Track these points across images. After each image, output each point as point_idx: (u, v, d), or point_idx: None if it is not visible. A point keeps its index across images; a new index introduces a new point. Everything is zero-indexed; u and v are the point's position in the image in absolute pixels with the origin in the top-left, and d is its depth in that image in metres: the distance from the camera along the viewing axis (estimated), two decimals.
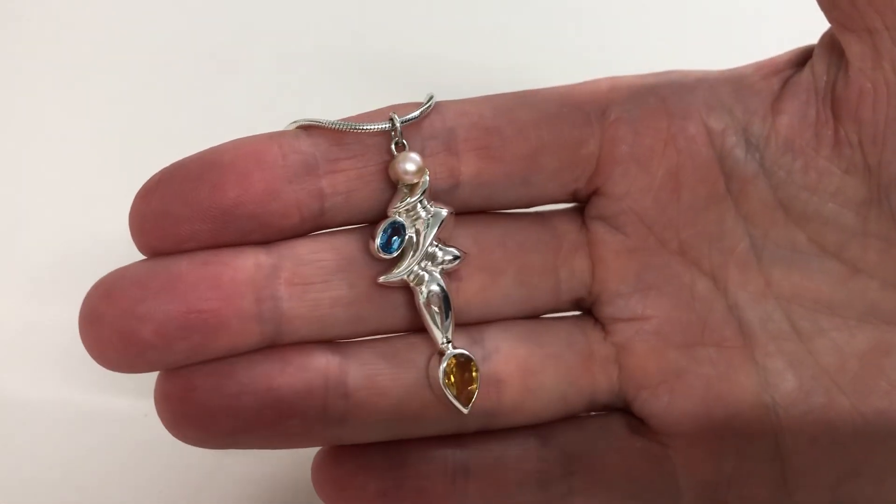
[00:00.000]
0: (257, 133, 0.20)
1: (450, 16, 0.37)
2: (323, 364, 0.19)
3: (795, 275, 0.21)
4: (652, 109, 0.21)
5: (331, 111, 0.21)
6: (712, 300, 0.21)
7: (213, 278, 0.18)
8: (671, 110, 0.21)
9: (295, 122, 0.20)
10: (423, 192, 0.20)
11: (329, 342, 0.20)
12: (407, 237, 0.20)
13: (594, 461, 0.21)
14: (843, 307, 0.21)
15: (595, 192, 0.22)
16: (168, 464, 0.26)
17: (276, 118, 0.22)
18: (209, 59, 0.36)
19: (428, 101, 0.20)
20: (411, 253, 0.20)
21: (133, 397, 0.27)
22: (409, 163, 0.19)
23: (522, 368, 0.21)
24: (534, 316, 0.22)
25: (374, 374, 0.20)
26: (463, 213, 0.21)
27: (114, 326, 0.18)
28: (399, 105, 0.20)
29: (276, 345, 0.19)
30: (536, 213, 0.22)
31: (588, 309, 0.23)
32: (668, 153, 0.21)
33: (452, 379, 0.20)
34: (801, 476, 0.21)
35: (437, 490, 0.20)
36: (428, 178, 0.20)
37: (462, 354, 0.20)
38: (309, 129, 0.20)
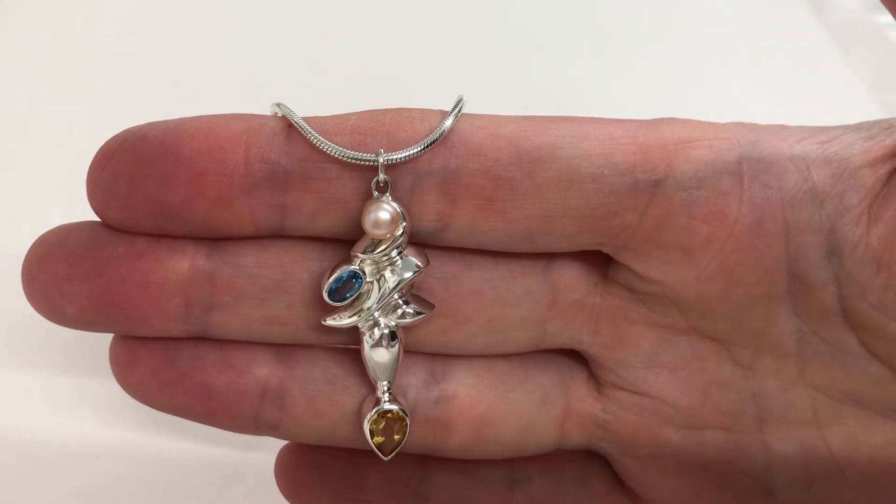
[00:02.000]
0: (238, 113, 0.17)
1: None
2: (264, 374, 0.19)
3: (834, 370, 0.19)
4: (723, 192, 0.17)
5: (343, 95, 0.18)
6: (734, 387, 0.19)
7: (144, 273, 0.17)
8: (748, 197, 0.17)
9: (279, 105, 0.17)
10: (399, 240, 0.17)
11: (277, 346, 0.19)
12: (365, 282, 0.18)
13: None
14: (871, 402, 0.19)
15: (620, 261, 0.18)
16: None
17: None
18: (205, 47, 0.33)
19: (441, 127, 0.17)
20: (367, 301, 0.18)
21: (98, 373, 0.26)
22: (381, 213, 0.17)
23: (477, 420, 0.19)
24: (506, 355, 0.20)
25: (314, 396, 0.19)
26: (445, 247, 0.19)
27: (42, 293, 0.17)
28: (408, 114, 0.17)
29: (208, 339, 0.18)
30: (537, 257, 0.19)
31: (583, 358, 0.20)
32: (727, 248, 0.17)
33: (378, 428, 0.19)
34: None
35: None
36: (403, 230, 0.17)
37: (392, 412, 0.18)
38: (290, 127, 0.17)
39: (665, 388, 0.19)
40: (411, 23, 0.36)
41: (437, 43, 0.34)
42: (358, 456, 0.20)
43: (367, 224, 0.17)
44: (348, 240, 0.18)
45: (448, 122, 0.17)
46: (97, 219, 0.18)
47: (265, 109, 0.18)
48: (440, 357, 0.20)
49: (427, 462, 0.20)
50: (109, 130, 0.17)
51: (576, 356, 0.21)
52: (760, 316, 0.18)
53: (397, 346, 0.18)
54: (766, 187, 0.17)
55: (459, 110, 0.17)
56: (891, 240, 0.17)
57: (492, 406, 0.19)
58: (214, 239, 0.18)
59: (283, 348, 0.19)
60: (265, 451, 0.21)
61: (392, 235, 0.17)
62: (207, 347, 0.18)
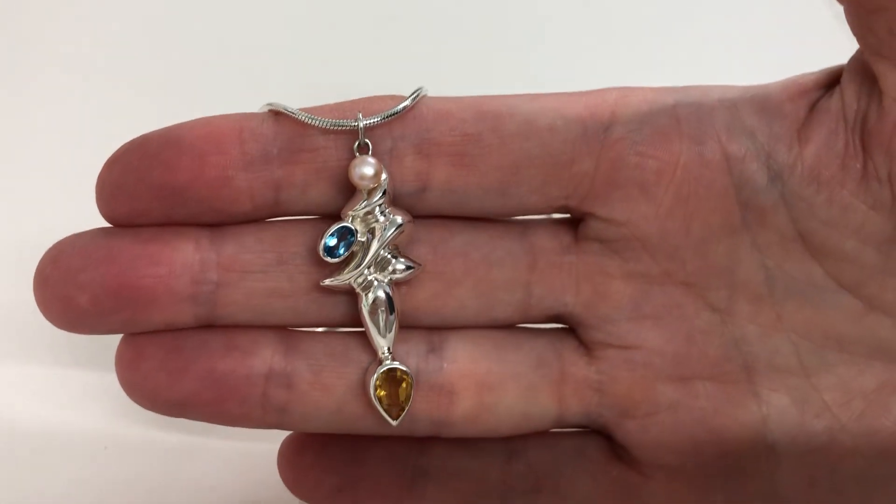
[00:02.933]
0: (231, 113, 0.19)
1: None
2: (268, 354, 0.19)
3: (808, 309, 0.20)
4: (663, 130, 0.19)
5: (315, 97, 0.20)
6: (715, 334, 0.20)
7: (152, 256, 0.18)
8: (686, 132, 0.19)
9: (269, 104, 0.19)
10: (381, 197, 0.19)
11: (280, 329, 0.20)
12: (357, 241, 0.19)
13: (563, 484, 0.21)
14: (852, 343, 0.20)
15: (588, 213, 0.20)
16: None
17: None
18: (203, 44, 0.35)
19: (411, 96, 0.19)
20: (360, 258, 0.19)
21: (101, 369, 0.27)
22: (366, 167, 0.19)
23: (479, 384, 0.20)
24: (505, 325, 0.21)
25: (319, 370, 0.20)
26: (427, 216, 0.20)
27: (56, 290, 0.18)
28: (379, 98, 0.20)
29: (213, 325, 0.19)
30: (514, 223, 0.21)
31: (570, 326, 0.21)
32: (677, 180, 0.19)
33: (383, 392, 0.19)
34: None
35: (393, 492, 0.20)
36: (387, 183, 0.19)
37: (396, 370, 0.19)
38: (279, 114, 0.19)
39: (650, 337, 0.20)
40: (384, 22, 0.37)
41: (406, 40, 0.36)
42: (358, 438, 0.20)
43: (355, 176, 0.19)
44: (338, 215, 0.20)
45: (423, 90, 0.19)
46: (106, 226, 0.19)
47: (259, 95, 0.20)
48: (436, 330, 0.21)
49: (425, 440, 0.21)
50: (116, 130, 0.19)
51: (563, 329, 0.22)
52: (724, 251, 0.20)
53: (394, 309, 0.19)
54: (700, 123, 0.19)
55: (420, 89, 0.20)
56: (823, 157, 0.19)
57: (491, 370, 0.20)
58: (214, 225, 0.19)
59: (286, 332, 0.20)
60: (270, 441, 0.21)
61: (376, 187, 0.19)
62: (213, 334, 0.19)
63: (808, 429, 0.20)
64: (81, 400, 0.26)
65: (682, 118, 0.19)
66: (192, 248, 0.19)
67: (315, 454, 0.20)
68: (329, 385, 0.20)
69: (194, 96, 0.34)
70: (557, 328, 0.22)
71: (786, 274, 0.20)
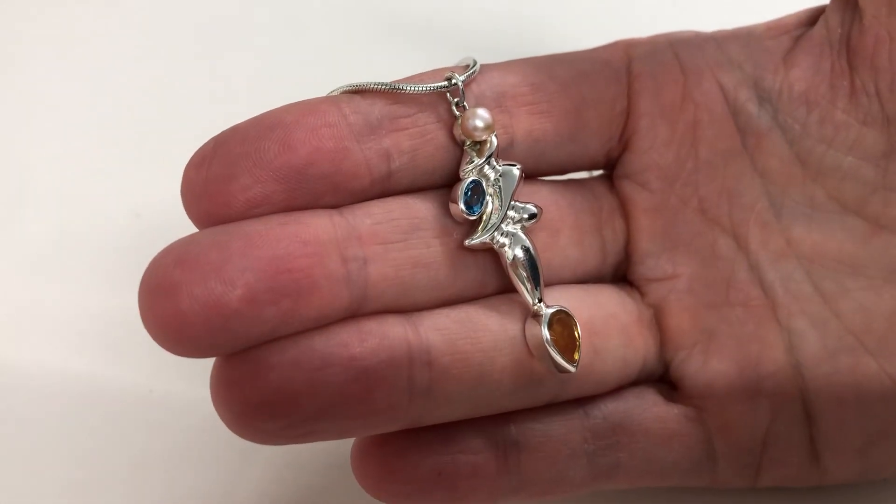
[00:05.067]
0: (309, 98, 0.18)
1: None
2: (401, 332, 0.18)
3: (816, 233, 0.20)
4: (668, 65, 0.22)
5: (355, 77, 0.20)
6: (735, 259, 0.21)
7: (296, 236, 0.16)
8: (685, 66, 0.21)
9: (338, 88, 0.19)
10: (492, 151, 0.19)
11: (401, 313, 0.18)
12: (487, 190, 0.19)
13: (635, 430, 0.20)
14: (867, 266, 0.20)
15: (624, 149, 0.22)
16: (173, 442, 0.25)
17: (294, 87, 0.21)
18: (216, 25, 0.34)
19: (473, 65, 0.20)
20: (492, 214, 0.19)
21: (135, 373, 0.26)
22: (479, 119, 0.19)
23: (588, 329, 0.20)
24: (586, 279, 0.21)
25: (453, 340, 0.18)
26: None
27: (194, 295, 0.15)
28: (439, 70, 0.20)
29: (356, 315, 0.17)
30: (574, 180, 0.22)
31: (623, 276, 0.22)
32: (685, 107, 0.21)
33: (556, 336, 0.18)
34: (828, 438, 0.21)
35: (490, 466, 0.19)
36: (495, 136, 0.19)
37: (562, 311, 0.19)
38: (362, 92, 0.18)
39: (685, 262, 0.21)
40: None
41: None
42: (436, 428, 0.19)
43: (469, 127, 0.18)
44: (444, 185, 0.19)
45: (477, 63, 0.20)
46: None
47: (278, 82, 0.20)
48: None
49: (506, 415, 0.20)
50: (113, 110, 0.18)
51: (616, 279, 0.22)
52: (730, 175, 0.21)
53: (536, 259, 0.19)
54: (692, 57, 0.22)
55: (476, 61, 0.20)
56: (811, 79, 0.20)
57: (593, 315, 0.20)
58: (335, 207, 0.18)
59: (404, 313, 0.18)
60: None
61: (487, 141, 0.19)
62: (338, 326, 0.17)
63: (831, 352, 0.20)
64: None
65: (679, 54, 0.22)
66: (329, 225, 0.17)
67: (401, 442, 0.18)
68: (467, 354, 0.18)
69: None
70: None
71: (789, 199, 0.21)
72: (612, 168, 0.22)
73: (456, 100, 0.19)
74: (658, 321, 0.21)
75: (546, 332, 0.18)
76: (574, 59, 0.21)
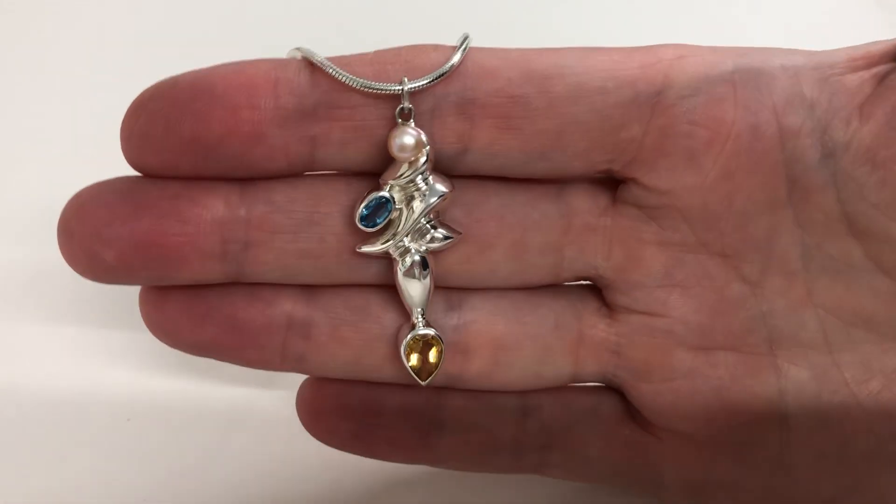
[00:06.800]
0: (264, 59, 0.18)
1: None
2: (289, 306, 0.19)
3: (841, 287, 0.19)
4: (718, 98, 0.18)
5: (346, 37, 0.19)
6: (743, 306, 0.20)
7: (180, 213, 0.18)
8: (741, 101, 0.18)
9: (298, 49, 0.18)
10: (423, 165, 0.18)
11: (302, 286, 0.20)
12: (395, 209, 0.19)
13: (575, 442, 0.21)
14: (881, 324, 0.19)
15: (633, 180, 0.19)
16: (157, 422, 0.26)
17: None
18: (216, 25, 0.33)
19: (459, 48, 0.18)
20: (398, 227, 0.19)
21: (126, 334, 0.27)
22: (406, 137, 0.18)
23: (495, 344, 0.20)
24: (532, 286, 0.21)
25: (338, 324, 0.20)
26: (465, 176, 0.19)
27: (81, 244, 0.18)
28: (422, 48, 0.18)
29: (240, 282, 0.19)
30: (551, 184, 0.20)
31: (596, 286, 0.21)
32: (727, 151, 0.18)
33: (414, 355, 0.19)
34: (799, 488, 0.21)
35: (408, 442, 0.21)
36: (428, 153, 0.18)
37: (429, 336, 0.19)
38: (314, 66, 0.18)
39: (677, 306, 0.20)
40: None
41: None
42: (375, 387, 0.21)
43: (394, 148, 0.18)
44: (375, 173, 0.19)
45: (467, 43, 0.18)
46: (132, 174, 0.18)
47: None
48: (455, 290, 0.20)
49: (442, 392, 0.21)
50: (134, 84, 0.18)
51: (586, 289, 0.21)
52: (764, 226, 0.19)
53: (429, 274, 0.19)
54: (757, 92, 0.18)
55: (468, 41, 0.18)
56: (883, 136, 0.18)
57: (508, 330, 0.20)
58: (245, 180, 0.18)
59: (308, 286, 0.20)
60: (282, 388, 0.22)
61: (417, 158, 0.18)
62: (237, 286, 0.19)
63: (823, 403, 0.20)
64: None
65: (739, 85, 0.18)
66: (221, 206, 0.18)
67: (333, 399, 0.21)
68: (347, 338, 0.20)
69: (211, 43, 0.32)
70: (580, 286, 0.21)
71: (823, 252, 0.19)
72: (612, 178, 0.20)
73: (400, 107, 0.18)
74: (622, 350, 0.21)
75: (403, 350, 0.19)
76: (585, 69, 0.18)
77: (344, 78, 0.17)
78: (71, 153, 0.31)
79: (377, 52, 0.18)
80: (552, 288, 0.21)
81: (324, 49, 0.18)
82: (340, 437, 0.21)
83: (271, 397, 0.26)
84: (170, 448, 0.25)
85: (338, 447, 0.21)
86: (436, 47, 0.18)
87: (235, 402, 0.26)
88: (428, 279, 0.19)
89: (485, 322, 0.20)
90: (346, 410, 0.21)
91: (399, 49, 0.18)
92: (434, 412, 0.21)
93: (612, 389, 0.22)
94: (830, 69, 0.18)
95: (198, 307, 0.19)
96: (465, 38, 0.18)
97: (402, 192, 0.18)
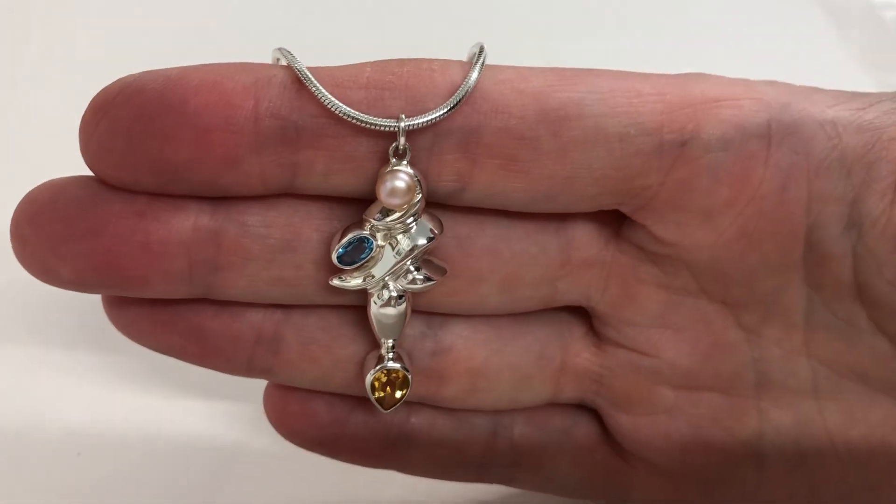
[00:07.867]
0: (244, 62, 0.16)
1: None
2: (258, 319, 0.18)
3: (839, 343, 0.19)
4: (749, 155, 0.17)
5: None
6: (737, 352, 0.19)
7: (145, 233, 0.16)
8: (774, 162, 0.17)
9: (282, 53, 0.16)
10: (414, 208, 0.17)
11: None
12: (377, 247, 0.17)
13: (544, 462, 0.21)
14: (874, 379, 0.19)
15: (641, 225, 0.18)
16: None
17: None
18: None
19: (476, 63, 0.16)
20: (377, 266, 0.17)
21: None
22: (398, 182, 0.16)
23: (472, 372, 0.19)
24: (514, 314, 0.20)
25: (308, 343, 0.19)
26: (461, 208, 0.18)
27: (35, 255, 0.16)
28: (428, 64, 0.16)
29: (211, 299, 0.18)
30: (551, 216, 0.19)
31: (586, 312, 0.20)
32: (748, 212, 0.17)
33: (378, 386, 0.19)
34: None
35: (373, 452, 0.20)
36: (419, 200, 0.16)
37: (395, 372, 0.18)
38: (301, 84, 0.16)
39: (667, 348, 0.19)
40: None
41: None
42: (342, 398, 0.20)
43: (383, 193, 0.16)
44: (359, 198, 0.17)
45: (473, 77, 0.16)
46: (90, 173, 0.16)
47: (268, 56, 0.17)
48: (438, 314, 0.19)
49: (412, 404, 0.20)
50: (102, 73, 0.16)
51: (575, 311, 0.20)
52: (773, 284, 0.18)
53: (405, 305, 0.18)
54: (793, 153, 0.17)
55: (483, 63, 0.16)
56: None
57: (488, 359, 0.19)
58: (218, 197, 0.17)
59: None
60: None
61: (408, 205, 0.16)
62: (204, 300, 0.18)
63: (801, 448, 0.20)
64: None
65: (774, 142, 0.17)
66: (190, 227, 0.16)
67: (298, 405, 0.20)
68: (317, 357, 0.19)
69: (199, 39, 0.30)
70: (569, 309, 0.20)
71: (828, 310, 0.18)
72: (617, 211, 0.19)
73: (395, 145, 0.16)
74: (604, 380, 0.20)
75: (369, 385, 0.18)
76: (608, 111, 0.16)
77: (334, 107, 0.15)
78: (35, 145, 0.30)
79: (373, 71, 0.16)
80: (539, 312, 0.20)
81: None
82: (306, 441, 0.20)
83: (229, 430, 0.25)
84: (124, 485, 0.23)
85: (304, 448, 0.21)
86: (443, 68, 0.16)
87: (193, 434, 0.25)
88: (403, 311, 0.18)
89: (464, 350, 0.19)
90: (311, 417, 0.20)
91: (400, 70, 0.16)
92: (401, 426, 0.20)
93: (589, 409, 0.21)
94: (877, 133, 0.17)
95: (161, 315, 0.18)
96: (480, 59, 0.16)
97: (387, 231, 0.17)
